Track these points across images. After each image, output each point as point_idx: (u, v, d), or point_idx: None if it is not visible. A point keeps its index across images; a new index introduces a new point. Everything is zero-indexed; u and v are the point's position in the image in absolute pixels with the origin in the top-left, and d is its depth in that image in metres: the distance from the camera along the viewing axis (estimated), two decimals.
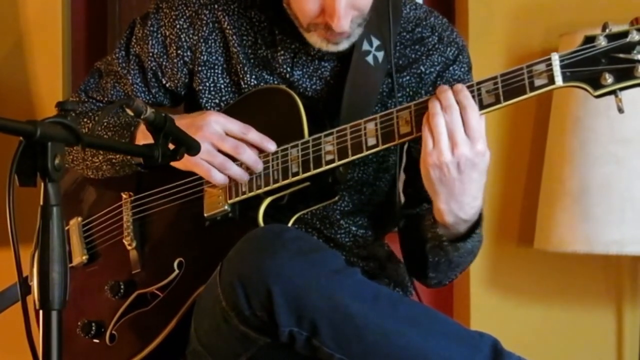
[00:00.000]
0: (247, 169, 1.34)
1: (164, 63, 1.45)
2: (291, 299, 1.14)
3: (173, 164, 1.35)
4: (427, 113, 1.23)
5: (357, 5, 1.30)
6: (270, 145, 1.33)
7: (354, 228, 1.45)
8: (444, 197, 1.25)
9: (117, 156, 1.40)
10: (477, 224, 1.31)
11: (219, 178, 1.33)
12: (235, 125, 1.33)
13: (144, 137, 1.34)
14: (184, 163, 1.34)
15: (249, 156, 1.33)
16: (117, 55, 1.49)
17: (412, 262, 1.42)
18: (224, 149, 1.32)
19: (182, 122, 1.30)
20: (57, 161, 0.96)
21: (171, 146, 1.18)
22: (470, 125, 1.21)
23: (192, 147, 1.25)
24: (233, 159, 1.33)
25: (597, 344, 2.06)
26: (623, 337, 2.05)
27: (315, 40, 1.34)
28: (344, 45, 1.35)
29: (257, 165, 1.33)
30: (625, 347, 2.05)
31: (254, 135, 1.33)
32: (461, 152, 1.20)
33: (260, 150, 1.34)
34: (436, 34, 1.45)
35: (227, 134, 1.33)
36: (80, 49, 2.20)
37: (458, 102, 1.21)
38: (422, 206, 1.40)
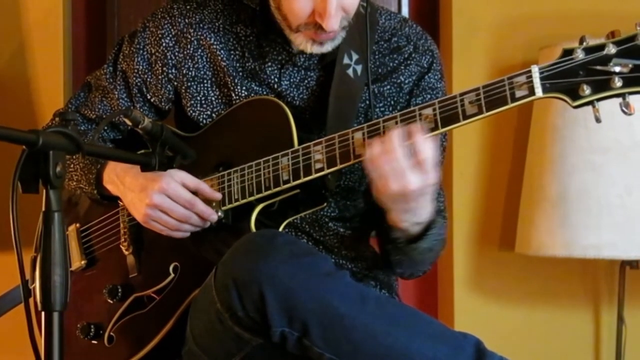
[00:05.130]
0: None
1: (149, 79, 1.50)
2: (283, 301, 1.17)
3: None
4: (374, 156, 1.24)
5: (345, 6, 1.35)
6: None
7: (341, 230, 1.49)
8: (399, 213, 1.31)
9: (87, 188, 1.46)
10: (429, 225, 1.36)
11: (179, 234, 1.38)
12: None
13: (110, 179, 1.42)
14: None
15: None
16: (105, 70, 1.55)
17: (383, 258, 1.48)
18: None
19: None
20: (58, 169, 1.00)
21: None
22: (420, 158, 1.22)
23: (188, 156, 1.30)
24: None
25: (576, 344, 2.09)
26: (600, 337, 2.09)
27: (300, 41, 1.38)
28: (327, 47, 1.38)
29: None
30: (602, 346, 2.08)
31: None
32: (413, 188, 1.23)
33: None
34: (411, 43, 1.50)
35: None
36: (80, 52, 2.22)
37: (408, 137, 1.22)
38: None
